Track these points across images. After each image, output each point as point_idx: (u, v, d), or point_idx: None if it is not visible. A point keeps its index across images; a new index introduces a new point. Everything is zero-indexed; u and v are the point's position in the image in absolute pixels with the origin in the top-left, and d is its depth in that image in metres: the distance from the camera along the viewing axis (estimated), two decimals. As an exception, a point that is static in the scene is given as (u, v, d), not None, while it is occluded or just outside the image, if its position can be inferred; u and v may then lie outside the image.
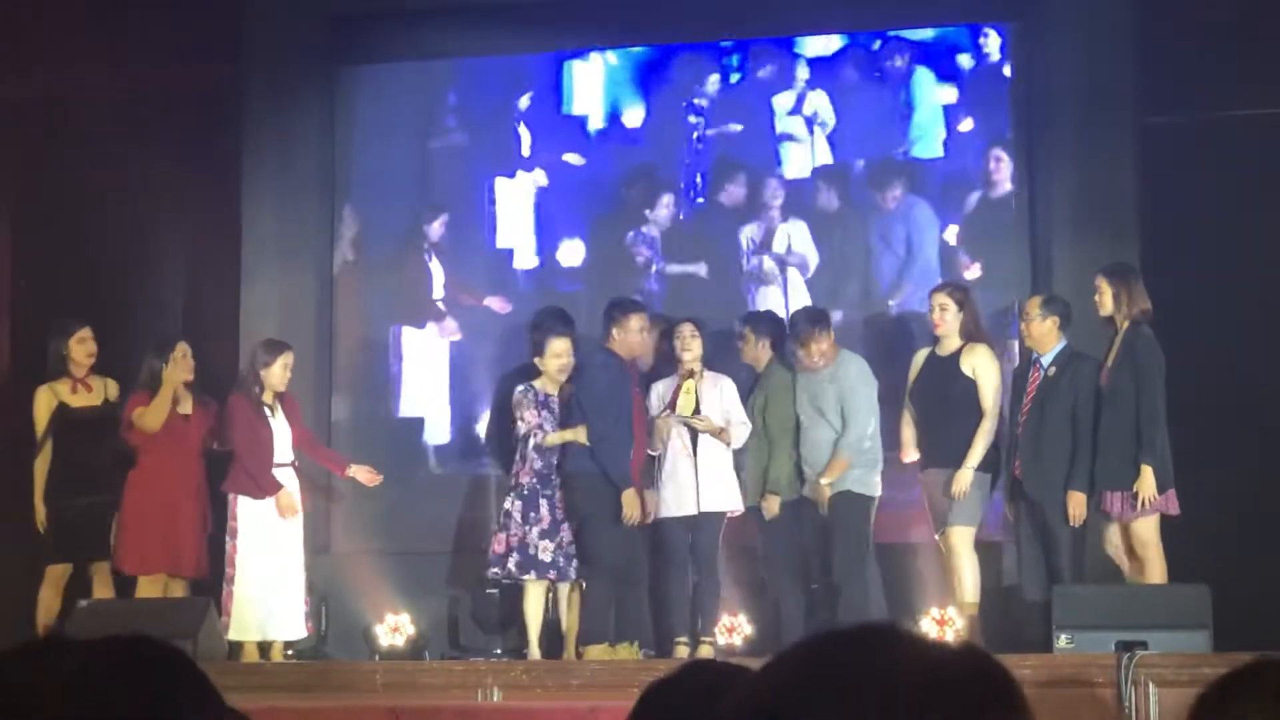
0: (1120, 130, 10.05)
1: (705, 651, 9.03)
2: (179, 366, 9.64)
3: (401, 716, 7.64)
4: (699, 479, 9.20)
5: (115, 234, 11.03)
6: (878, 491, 9.27)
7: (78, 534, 9.66)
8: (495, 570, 9.31)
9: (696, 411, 9.26)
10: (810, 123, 10.81)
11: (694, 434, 9.26)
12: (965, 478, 8.98)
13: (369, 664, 9.20)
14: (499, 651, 9.68)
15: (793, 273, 10.68)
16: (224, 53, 11.05)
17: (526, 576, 9.28)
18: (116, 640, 1.49)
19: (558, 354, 9.37)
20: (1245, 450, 9.57)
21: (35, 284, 11.21)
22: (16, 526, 9.96)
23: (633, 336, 9.36)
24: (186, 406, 9.71)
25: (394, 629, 9.86)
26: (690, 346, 9.34)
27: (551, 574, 9.26)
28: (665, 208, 10.86)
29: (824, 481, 9.18)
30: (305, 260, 10.99)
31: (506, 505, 9.38)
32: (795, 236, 10.68)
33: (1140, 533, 8.72)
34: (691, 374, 9.28)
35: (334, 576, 10.31)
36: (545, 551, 9.23)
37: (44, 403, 9.79)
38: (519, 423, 9.41)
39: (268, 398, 9.61)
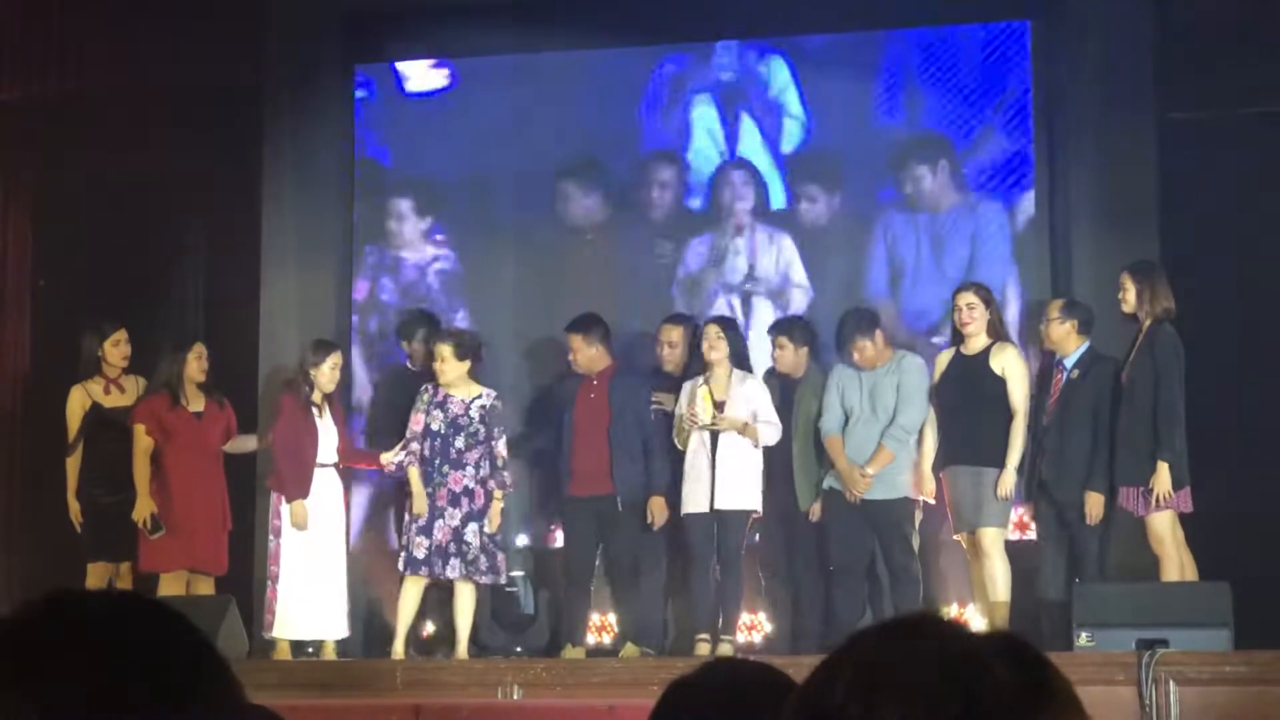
0: (1141, 127, 10.02)
1: (725, 650, 9.04)
2: (191, 367, 9.67)
3: (422, 714, 7.64)
4: (715, 477, 9.21)
5: (135, 233, 11.05)
6: (920, 494, 9.33)
7: (110, 533, 9.70)
8: (402, 569, 9.42)
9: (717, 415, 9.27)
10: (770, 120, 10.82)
11: (715, 433, 9.27)
12: (1010, 479, 9.00)
13: (389, 662, 9.21)
14: (519, 650, 9.69)
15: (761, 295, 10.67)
16: (243, 51, 11.05)
17: (406, 573, 9.37)
18: (116, 600, 1.49)
19: (444, 358, 9.43)
20: (1266, 448, 9.54)
21: (56, 283, 11.24)
22: (53, 524, 10.00)
23: (579, 355, 9.62)
24: (198, 405, 9.74)
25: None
26: (716, 346, 9.34)
27: (424, 570, 9.31)
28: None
29: (870, 471, 9.19)
30: (326, 258, 11.00)
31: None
32: (779, 255, 10.68)
33: (1155, 529, 8.70)
34: (706, 380, 9.29)
35: (353, 575, 10.30)
36: (420, 548, 9.29)
37: (77, 402, 9.84)
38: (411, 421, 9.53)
39: (316, 398, 9.64)
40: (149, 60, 10.99)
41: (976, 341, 9.22)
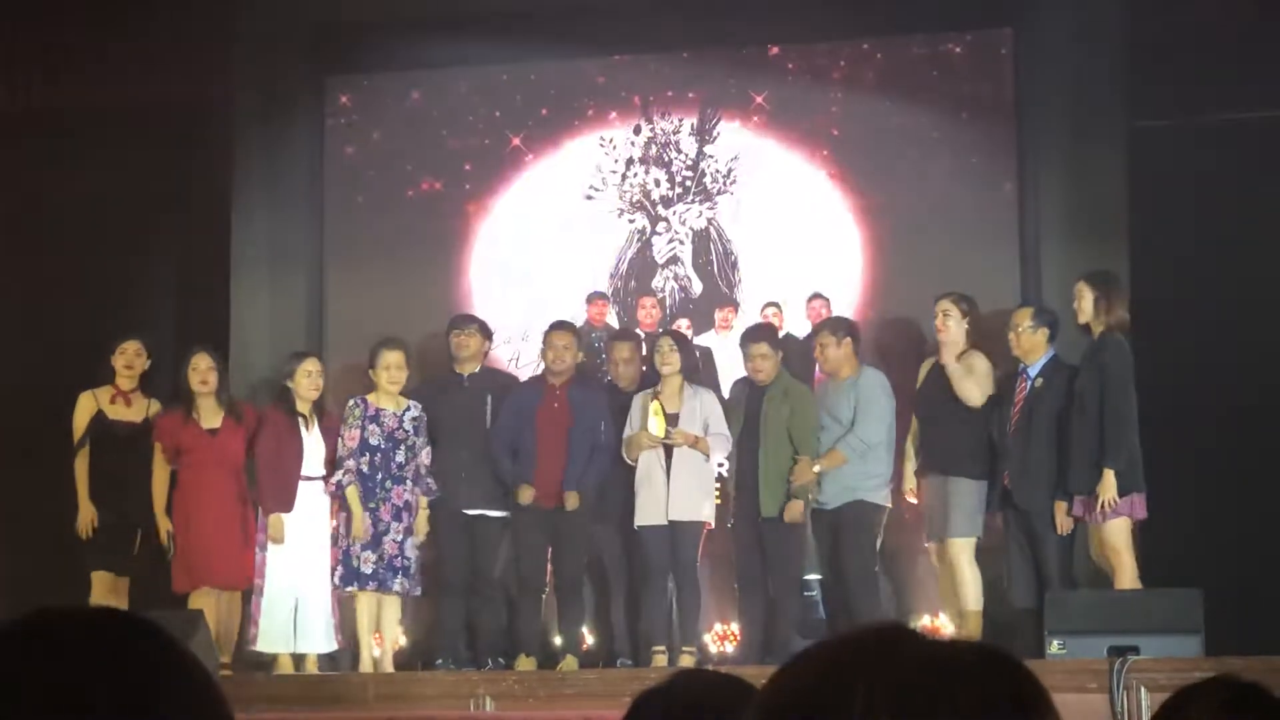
0: (1110, 135, 10.06)
1: (686, 661, 9.01)
2: (191, 380, 9.50)
3: (394, 727, 7.64)
4: (670, 489, 9.20)
5: (107, 245, 11.03)
6: (888, 503, 9.29)
7: (109, 544, 9.59)
8: (339, 584, 9.35)
9: (672, 428, 9.27)
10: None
11: (670, 446, 9.27)
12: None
13: (361, 675, 9.18)
14: (491, 662, 9.67)
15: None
16: (214, 65, 11.05)
17: (350, 588, 9.30)
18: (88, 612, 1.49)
19: (386, 366, 9.36)
20: (1235, 454, 9.58)
21: (30, 295, 11.21)
22: (51, 532, 9.88)
23: (568, 354, 9.48)
24: (215, 421, 9.52)
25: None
26: (669, 360, 9.32)
27: (372, 585, 9.27)
28: None
29: (815, 468, 9.17)
30: (296, 271, 10.99)
31: (335, 521, 9.43)
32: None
33: (1107, 537, 8.70)
34: (656, 395, 9.28)
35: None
36: (366, 563, 9.25)
37: (84, 407, 9.69)
38: (340, 439, 9.41)
39: (303, 408, 9.50)
40: (120, 76, 10.97)
41: (952, 350, 9.22)
